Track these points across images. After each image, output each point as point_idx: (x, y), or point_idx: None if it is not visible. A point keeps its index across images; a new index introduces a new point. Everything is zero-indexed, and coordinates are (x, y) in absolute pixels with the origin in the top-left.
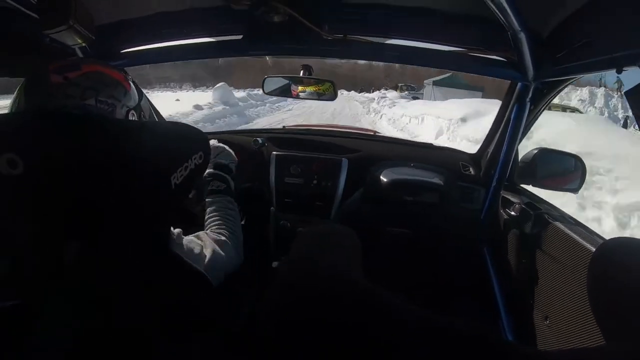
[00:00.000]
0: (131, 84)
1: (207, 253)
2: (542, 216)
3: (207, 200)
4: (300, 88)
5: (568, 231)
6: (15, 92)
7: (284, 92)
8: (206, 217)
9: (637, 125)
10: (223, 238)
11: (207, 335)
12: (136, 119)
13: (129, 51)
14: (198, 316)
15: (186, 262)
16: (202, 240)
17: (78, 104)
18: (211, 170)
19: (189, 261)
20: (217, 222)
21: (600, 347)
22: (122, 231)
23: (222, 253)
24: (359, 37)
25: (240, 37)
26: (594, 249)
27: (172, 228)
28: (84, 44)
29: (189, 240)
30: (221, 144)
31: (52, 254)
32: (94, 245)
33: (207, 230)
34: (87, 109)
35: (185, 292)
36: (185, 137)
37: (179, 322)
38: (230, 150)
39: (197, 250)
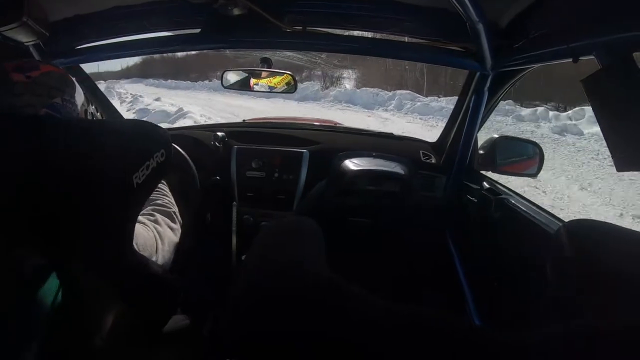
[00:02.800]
0: (76, 83)
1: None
2: (502, 201)
3: None
4: (255, 81)
5: (528, 215)
6: None
7: (243, 85)
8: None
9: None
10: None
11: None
12: (94, 117)
13: (85, 47)
14: (165, 318)
15: (150, 262)
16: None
17: (45, 103)
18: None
19: (152, 259)
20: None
21: (563, 326)
22: (85, 233)
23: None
24: (318, 29)
25: (198, 30)
26: (553, 232)
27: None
28: (38, 41)
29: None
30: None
31: (13, 264)
32: (57, 252)
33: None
34: (55, 108)
35: (151, 293)
36: (146, 135)
37: (147, 324)
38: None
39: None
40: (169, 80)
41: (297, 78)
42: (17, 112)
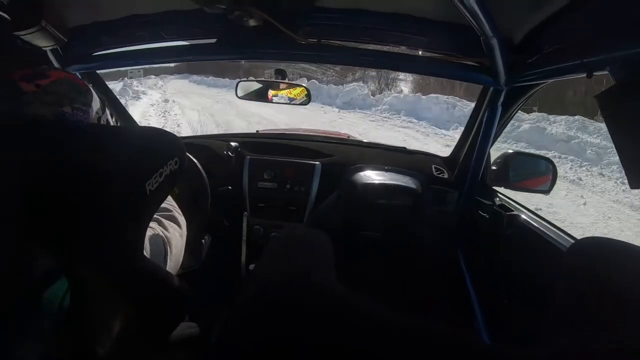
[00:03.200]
0: (92, 89)
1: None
2: (514, 217)
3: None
4: (273, 92)
5: (540, 232)
6: None
7: (258, 96)
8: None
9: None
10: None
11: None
12: (109, 123)
13: (102, 54)
14: (173, 325)
15: (161, 269)
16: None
17: (55, 111)
18: None
19: (163, 267)
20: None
21: (572, 343)
22: (95, 239)
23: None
24: (333, 41)
25: (214, 40)
26: (565, 249)
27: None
28: (55, 46)
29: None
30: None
31: (22, 265)
32: (66, 255)
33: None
34: (65, 117)
35: (160, 299)
36: (160, 142)
37: (155, 331)
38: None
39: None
40: (210, 78)
41: (348, 78)
42: (24, 120)
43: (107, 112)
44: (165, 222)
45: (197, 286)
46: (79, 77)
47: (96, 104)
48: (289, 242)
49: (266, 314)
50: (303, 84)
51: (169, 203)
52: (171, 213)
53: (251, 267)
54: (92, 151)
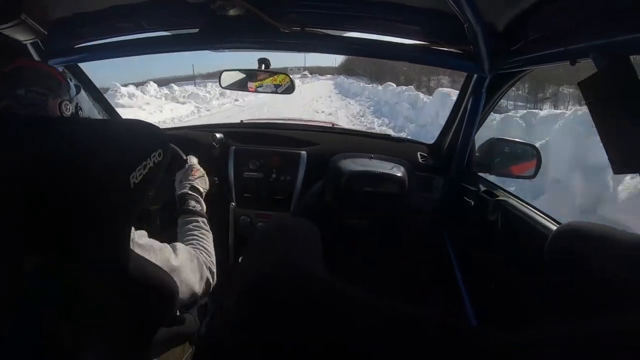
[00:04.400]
0: (66, 77)
1: (177, 261)
2: (499, 203)
3: (183, 218)
4: (256, 83)
5: (524, 216)
6: None
7: (241, 86)
8: (181, 232)
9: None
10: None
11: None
12: (71, 111)
13: (83, 46)
14: (161, 320)
15: (149, 264)
16: (176, 250)
17: (7, 95)
18: (187, 190)
19: (153, 262)
20: (193, 239)
21: (560, 326)
22: (82, 235)
23: (195, 266)
24: (316, 29)
25: (196, 30)
26: (550, 233)
27: (133, 229)
28: (36, 40)
29: (160, 246)
30: (201, 168)
31: (10, 265)
32: (54, 252)
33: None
34: (17, 99)
35: (149, 295)
36: (142, 135)
37: (145, 325)
38: (207, 178)
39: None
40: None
41: None
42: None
43: (79, 102)
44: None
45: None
46: (52, 67)
47: (63, 91)
48: (275, 232)
49: (254, 306)
50: (285, 72)
51: (212, 254)
52: (209, 263)
53: (240, 259)
54: (70, 145)
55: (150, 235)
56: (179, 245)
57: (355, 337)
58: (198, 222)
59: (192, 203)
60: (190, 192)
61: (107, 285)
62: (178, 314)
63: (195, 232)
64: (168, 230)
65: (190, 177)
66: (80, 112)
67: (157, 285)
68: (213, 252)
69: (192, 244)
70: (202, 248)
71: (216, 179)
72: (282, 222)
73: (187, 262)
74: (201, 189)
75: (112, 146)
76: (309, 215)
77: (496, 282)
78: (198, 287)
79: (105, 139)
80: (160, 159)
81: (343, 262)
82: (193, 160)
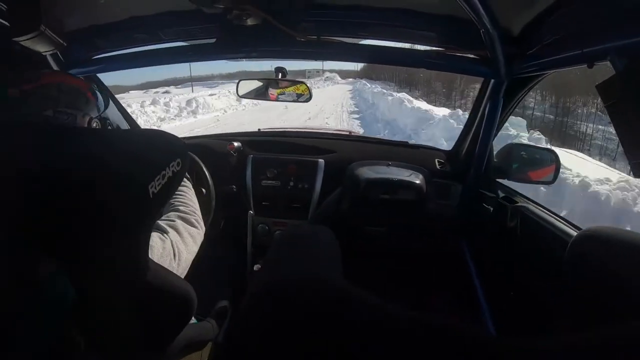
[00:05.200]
0: (96, 93)
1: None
2: (518, 209)
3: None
4: (278, 91)
5: (544, 223)
6: None
7: (260, 94)
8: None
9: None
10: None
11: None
12: (99, 127)
13: (102, 57)
14: (179, 326)
15: (164, 272)
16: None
17: (38, 115)
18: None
19: (168, 268)
20: (172, 209)
21: (582, 334)
22: (98, 243)
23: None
24: (333, 38)
25: (213, 40)
26: (570, 240)
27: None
28: (55, 51)
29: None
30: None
31: (25, 270)
32: (69, 259)
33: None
34: (47, 120)
35: (165, 302)
36: (161, 144)
37: (162, 333)
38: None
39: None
40: None
41: None
42: (16, 123)
43: (108, 116)
44: (179, 222)
45: (202, 286)
46: (80, 79)
47: (91, 108)
48: (294, 239)
49: (275, 312)
50: (302, 80)
51: (192, 205)
52: (188, 216)
53: (256, 267)
54: (89, 155)
55: None
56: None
57: (372, 345)
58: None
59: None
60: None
61: (123, 294)
62: (194, 320)
63: (177, 198)
64: None
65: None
66: (109, 127)
67: (174, 294)
68: (195, 202)
69: (169, 217)
70: (180, 211)
71: (234, 187)
72: (300, 229)
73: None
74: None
75: (131, 156)
76: (326, 222)
77: (515, 290)
78: (177, 260)
79: (124, 149)
80: (179, 169)
81: (360, 270)
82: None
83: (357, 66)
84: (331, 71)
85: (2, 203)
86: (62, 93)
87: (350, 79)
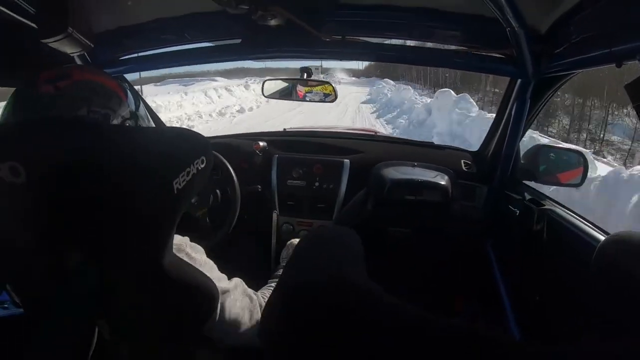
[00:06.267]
0: (127, 92)
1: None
2: (545, 212)
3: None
4: (306, 89)
5: (572, 227)
6: (6, 101)
7: (286, 94)
8: None
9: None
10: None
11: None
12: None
13: (128, 57)
14: (202, 322)
15: (190, 268)
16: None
17: (71, 114)
18: None
19: (194, 266)
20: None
21: (610, 342)
22: (125, 236)
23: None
24: (357, 38)
25: (239, 41)
26: (598, 244)
27: (188, 240)
28: (83, 52)
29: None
30: None
31: (55, 261)
32: (97, 252)
33: None
34: (81, 119)
35: (189, 298)
36: (186, 141)
37: (183, 328)
38: None
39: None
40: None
41: None
42: (47, 119)
43: (139, 116)
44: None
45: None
46: (111, 78)
47: (124, 108)
48: (318, 240)
49: (299, 312)
50: (327, 81)
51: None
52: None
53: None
54: (117, 150)
55: (202, 240)
56: (237, 280)
57: (398, 348)
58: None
59: None
60: None
61: (146, 287)
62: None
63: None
64: (219, 231)
65: None
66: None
67: (198, 289)
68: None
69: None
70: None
71: (259, 187)
72: (325, 230)
73: (239, 295)
74: None
75: (158, 153)
76: (351, 223)
77: (540, 294)
78: (243, 325)
79: (150, 145)
80: (204, 166)
81: (385, 271)
82: None
83: (365, 63)
84: (327, 71)
85: (34, 196)
86: (95, 92)
87: (363, 78)
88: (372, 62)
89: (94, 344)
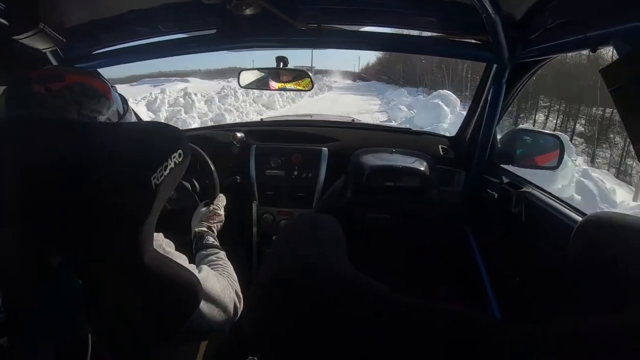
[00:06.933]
0: (115, 95)
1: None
2: (523, 195)
3: (201, 251)
4: (279, 85)
5: (549, 208)
6: None
7: (261, 84)
8: (202, 264)
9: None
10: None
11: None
12: None
13: (102, 52)
14: (186, 316)
15: (172, 262)
16: (202, 270)
17: (61, 117)
18: (204, 229)
19: (175, 261)
20: (218, 267)
21: (587, 320)
22: (105, 233)
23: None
24: (333, 26)
25: (214, 31)
26: (575, 225)
27: (162, 236)
28: (55, 47)
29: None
30: (223, 214)
31: (36, 260)
32: (78, 249)
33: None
34: (65, 121)
35: (172, 293)
36: (162, 136)
37: (169, 321)
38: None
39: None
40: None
41: None
42: (29, 120)
43: (126, 119)
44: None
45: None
46: (102, 81)
47: (113, 112)
48: (299, 229)
49: (281, 297)
50: (303, 69)
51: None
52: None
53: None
54: (93, 147)
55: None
56: (205, 267)
57: (379, 332)
58: (219, 254)
59: (211, 239)
60: (207, 230)
61: (129, 283)
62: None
63: (220, 262)
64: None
65: (210, 221)
66: None
67: (180, 283)
68: (237, 280)
69: (217, 270)
70: (228, 274)
71: (238, 178)
72: (305, 218)
73: (214, 280)
74: (216, 233)
75: (134, 148)
76: (331, 211)
77: (520, 276)
78: (225, 309)
79: (126, 141)
80: (181, 160)
81: (365, 257)
82: (220, 202)
83: (360, 65)
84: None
85: (11, 197)
86: (86, 95)
87: (360, 82)
88: (371, 64)
89: (89, 351)
